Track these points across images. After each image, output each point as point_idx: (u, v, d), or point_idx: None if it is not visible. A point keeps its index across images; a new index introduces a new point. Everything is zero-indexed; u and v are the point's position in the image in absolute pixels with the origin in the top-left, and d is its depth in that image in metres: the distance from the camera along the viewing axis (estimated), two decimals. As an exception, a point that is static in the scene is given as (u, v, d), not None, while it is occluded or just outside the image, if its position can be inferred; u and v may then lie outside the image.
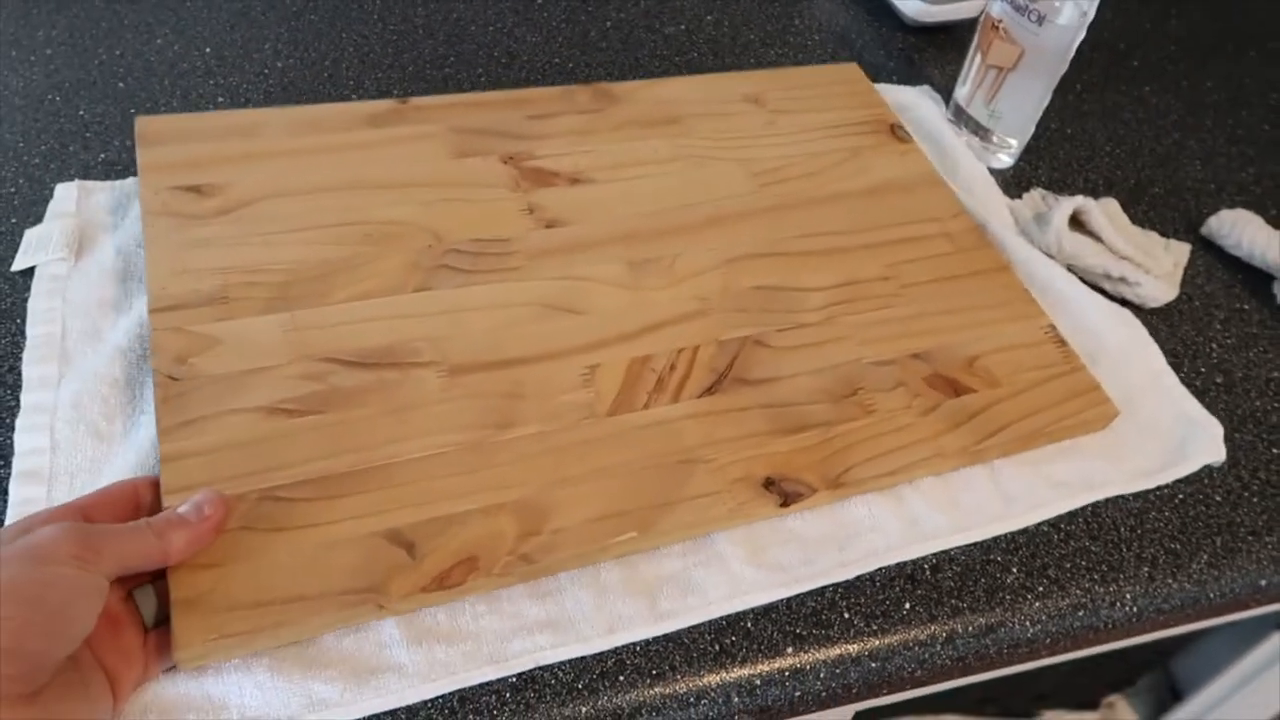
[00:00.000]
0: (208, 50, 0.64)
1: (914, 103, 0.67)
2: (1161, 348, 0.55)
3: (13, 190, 0.53)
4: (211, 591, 0.37)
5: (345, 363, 0.44)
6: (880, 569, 0.43)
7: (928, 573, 0.44)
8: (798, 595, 0.42)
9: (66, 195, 0.53)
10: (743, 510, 0.42)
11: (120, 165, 0.55)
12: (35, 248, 0.50)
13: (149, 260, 0.47)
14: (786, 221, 0.55)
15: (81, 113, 0.58)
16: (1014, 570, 0.45)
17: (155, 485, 0.39)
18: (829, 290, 0.52)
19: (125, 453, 0.43)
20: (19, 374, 0.45)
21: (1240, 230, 0.60)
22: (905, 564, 0.44)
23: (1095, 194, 0.64)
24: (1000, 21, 0.60)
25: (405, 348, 0.45)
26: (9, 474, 0.42)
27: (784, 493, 0.43)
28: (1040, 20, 0.57)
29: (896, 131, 0.62)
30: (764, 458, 0.44)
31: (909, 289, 0.53)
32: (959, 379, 0.49)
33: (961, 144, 0.64)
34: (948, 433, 0.46)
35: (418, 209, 0.51)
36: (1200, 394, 0.53)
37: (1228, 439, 0.51)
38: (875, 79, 0.70)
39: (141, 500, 0.39)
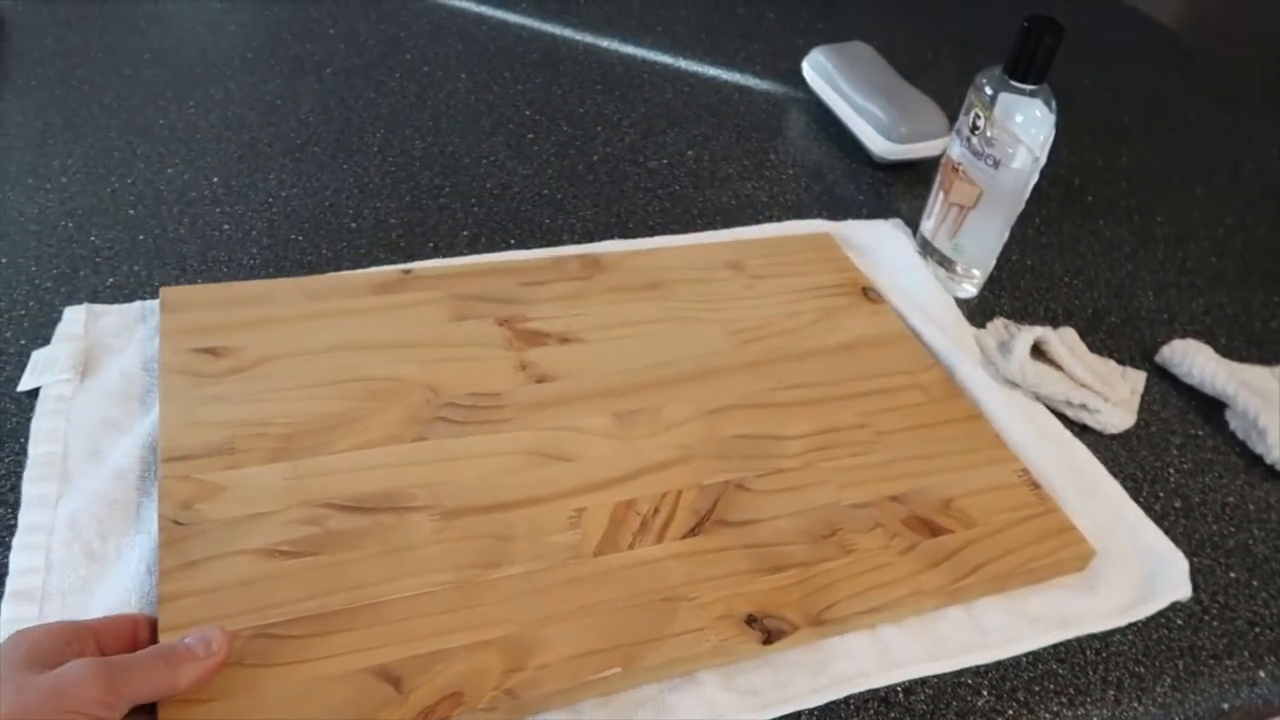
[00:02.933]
0: (215, 180, 0.68)
1: (887, 236, 0.71)
2: (1120, 473, 0.57)
3: (23, 312, 0.55)
4: None
5: (342, 507, 0.46)
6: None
7: (900, 695, 0.45)
8: (770, 719, 0.43)
9: (75, 318, 0.55)
10: (726, 647, 0.43)
11: (128, 289, 0.58)
12: (42, 369, 0.52)
13: (163, 414, 0.49)
14: (765, 375, 0.58)
15: (93, 238, 0.61)
16: (984, 693, 0.46)
17: (152, 624, 0.40)
18: (806, 438, 0.55)
19: (119, 574, 0.44)
20: (19, 493, 0.46)
21: (1192, 360, 0.63)
22: (878, 687, 0.45)
23: (1055, 323, 0.68)
24: (960, 164, 0.64)
25: (401, 493, 0.48)
26: (2, 592, 0.42)
27: (766, 630, 0.44)
28: (996, 164, 0.62)
29: (868, 294, 0.66)
30: (746, 595, 0.46)
31: (884, 436, 0.56)
32: (935, 520, 0.51)
33: (929, 275, 0.68)
34: (925, 571, 0.48)
35: (417, 367, 0.55)
36: (1160, 518, 0.55)
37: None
38: (846, 212, 0.75)
39: (139, 636, 0.40)
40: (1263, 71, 1.19)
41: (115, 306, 0.56)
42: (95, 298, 0.57)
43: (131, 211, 0.64)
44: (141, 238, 0.62)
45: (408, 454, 0.50)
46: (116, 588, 0.43)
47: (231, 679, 0.39)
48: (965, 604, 0.48)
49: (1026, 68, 0.59)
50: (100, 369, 0.53)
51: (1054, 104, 0.61)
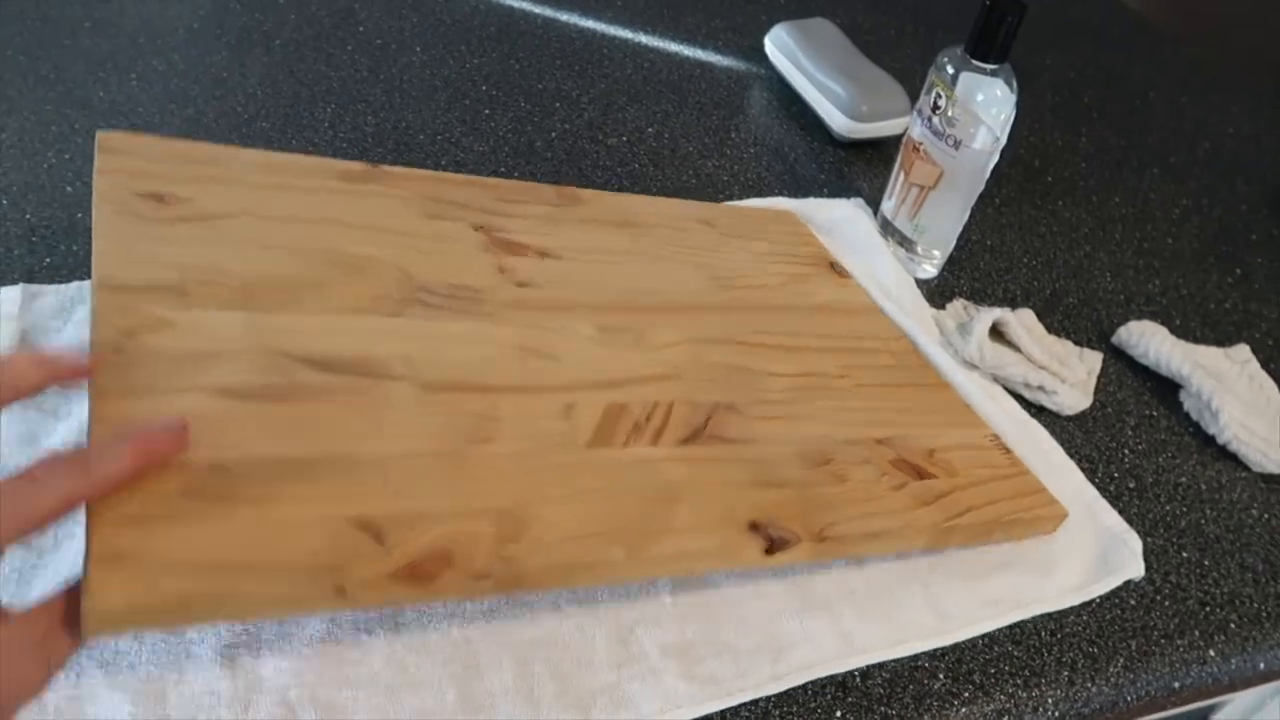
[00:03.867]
0: (158, 155, 0.65)
1: (848, 216, 0.71)
2: (1077, 453, 0.58)
3: (-47, 294, 0.53)
4: (141, 547, 0.32)
5: (311, 363, 0.42)
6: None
7: (858, 679, 0.45)
8: (730, 706, 0.42)
9: (10, 298, 0.53)
10: (729, 550, 0.42)
11: (66, 270, 0.55)
12: (-27, 352, 0.50)
13: (97, 250, 0.43)
14: (744, 320, 0.57)
15: (28, 216, 0.58)
16: (941, 676, 0.46)
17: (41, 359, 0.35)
18: (792, 377, 0.54)
19: (57, 565, 0.42)
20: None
21: (1147, 341, 0.64)
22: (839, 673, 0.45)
23: (1014, 303, 0.68)
24: (920, 144, 0.64)
25: (376, 361, 0.44)
26: (-67, 588, 0.41)
27: (770, 538, 0.43)
28: (957, 145, 0.61)
29: (835, 268, 0.66)
30: (748, 503, 0.44)
31: (863, 388, 0.55)
32: (921, 465, 0.51)
33: (890, 255, 0.68)
34: (918, 509, 0.48)
35: (389, 250, 0.51)
36: (1114, 499, 0.56)
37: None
38: (808, 190, 0.74)
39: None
40: (1223, 51, 1.20)
41: (52, 286, 0.54)
42: (31, 278, 0.55)
43: (69, 189, 0.61)
44: (80, 215, 0.59)
45: (382, 327, 0.46)
46: (55, 578, 0.42)
47: (179, 507, 0.33)
48: (925, 591, 0.48)
49: (988, 47, 0.59)
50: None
51: (1015, 84, 0.60)
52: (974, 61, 0.60)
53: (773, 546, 0.43)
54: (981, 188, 0.64)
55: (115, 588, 0.30)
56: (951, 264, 0.70)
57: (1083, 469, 0.57)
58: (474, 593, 0.37)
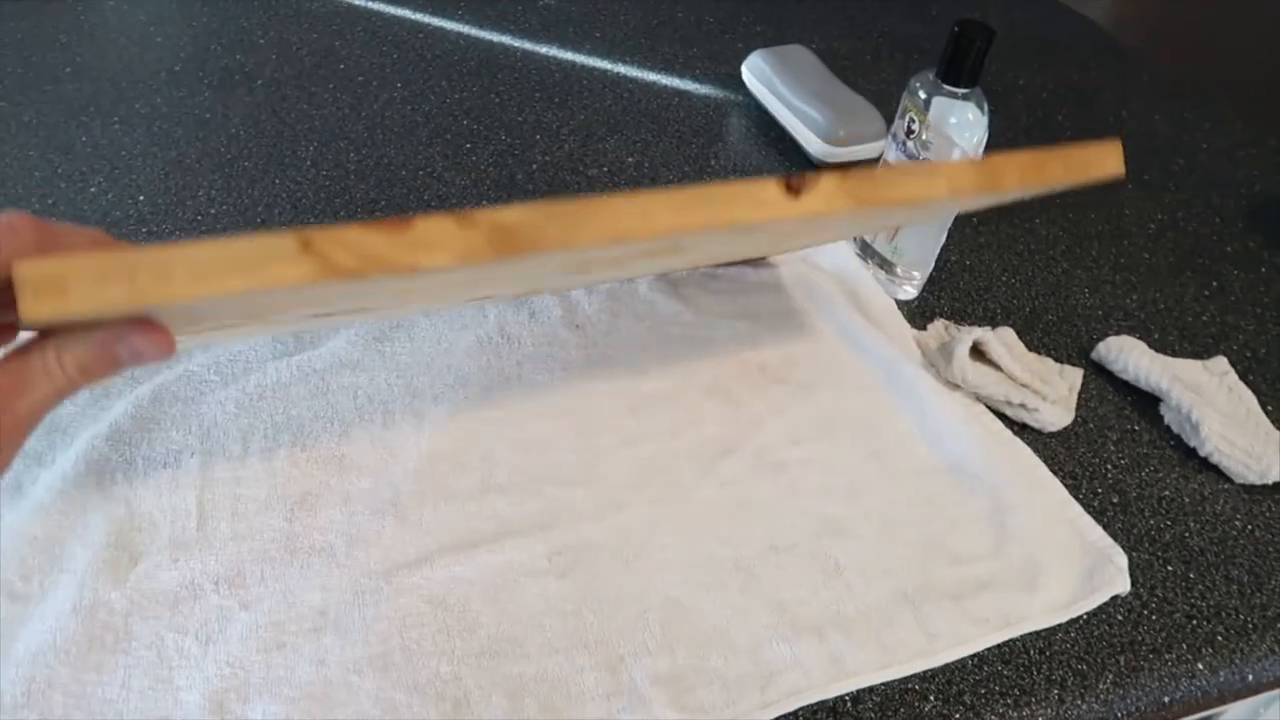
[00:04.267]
0: (141, 198, 0.66)
1: (827, 245, 0.72)
2: (1060, 470, 0.58)
3: (-64, 343, 0.53)
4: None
5: None
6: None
7: (849, 704, 0.45)
8: (722, 735, 0.42)
9: (-8, 347, 0.53)
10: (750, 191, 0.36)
11: (48, 315, 0.56)
12: (-43, 402, 0.49)
13: None
14: None
15: (10, 262, 0.59)
16: (931, 698, 0.46)
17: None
18: None
19: (42, 614, 0.42)
20: (-66, 534, 0.44)
21: (1126, 356, 0.64)
22: (828, 698, 0.45)
23: (994, 322, 0.68)
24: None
25: None
26: (-82, 640, 0.41)
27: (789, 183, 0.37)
28: (932, 168, 0.62)
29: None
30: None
31: None
32: None
33: (870, 278, 0.69)
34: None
35: None
36: (1098, 514, 0.56)
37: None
38: (788, 215, 0.75)
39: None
40: (1193, 67, 1.22)
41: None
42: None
43: (52, 233, 0.61)
44: (63, 260, 0.60)
45: None
46: (41, 629, 0.42)
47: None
48: (914, 612, 0.48)
49: (958, 72, 0.60)
50: (20, 399, 0.51)
51: (986, 106, 0.61)
52: (945, 86, 0.61)
53: (792, 186, 0.36)
54: (958, 210, 0.65)
55: (48, 266, 0.26)
56: (931, 284, 0.71)
57: (1066, 485, 0.57)
58: (468, 247, 0.31)
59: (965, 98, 0.61)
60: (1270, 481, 0.59)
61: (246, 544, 0.46)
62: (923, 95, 0.62)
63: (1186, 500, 0.58)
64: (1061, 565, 0.52)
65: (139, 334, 0.31)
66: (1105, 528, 0.55)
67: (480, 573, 0.46)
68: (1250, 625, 0.52)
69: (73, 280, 0.26)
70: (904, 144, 0.63)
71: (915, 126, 0.62)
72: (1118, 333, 0.69)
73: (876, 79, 0.93)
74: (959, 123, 0.61)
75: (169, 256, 0.27)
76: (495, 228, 0.31)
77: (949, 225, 0.66)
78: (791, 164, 0.81)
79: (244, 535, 0.46)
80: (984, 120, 0.61)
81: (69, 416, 0.50)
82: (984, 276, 0.73)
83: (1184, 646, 0.50)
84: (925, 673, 0.47)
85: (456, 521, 0.48)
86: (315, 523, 0.48)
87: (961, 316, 0.69)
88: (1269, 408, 0.64)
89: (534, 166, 0.75)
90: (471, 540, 0.48)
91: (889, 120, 0.80)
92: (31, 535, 0.44)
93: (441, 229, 0.31)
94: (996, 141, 0.70)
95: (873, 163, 0.80)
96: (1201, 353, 0.69)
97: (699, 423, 0.56)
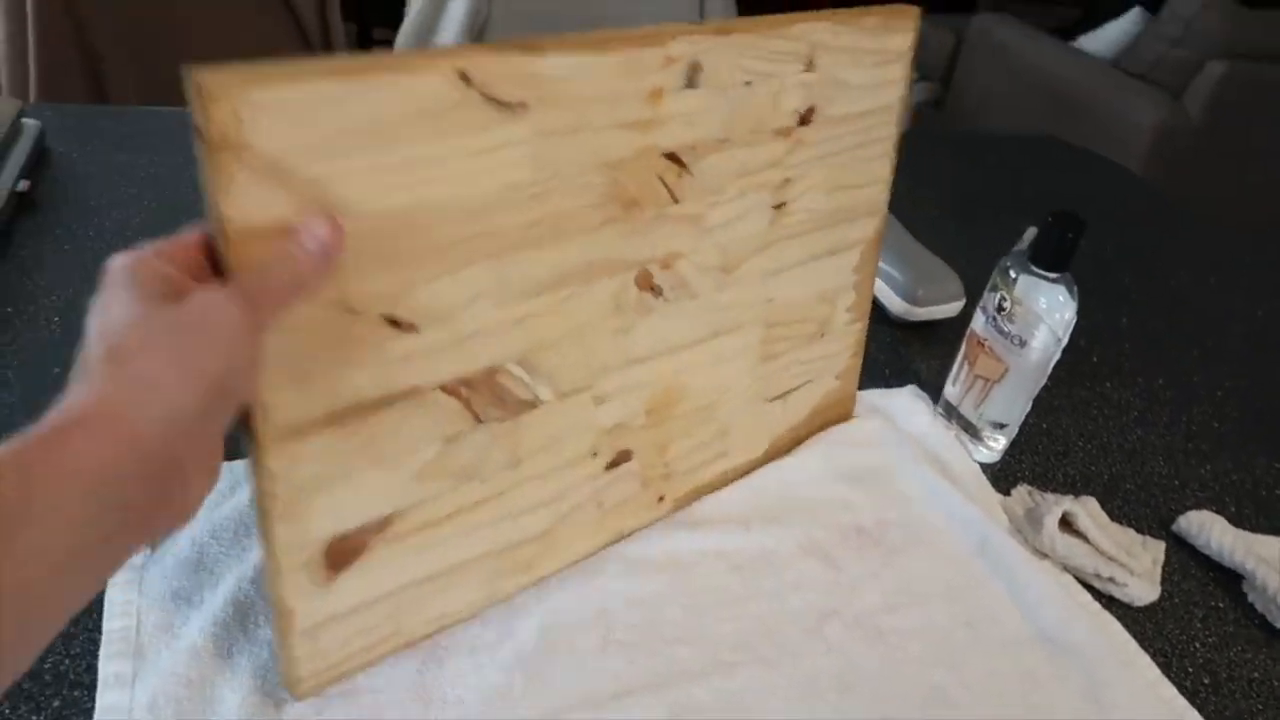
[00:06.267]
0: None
1: (908, 405, 0.75)
2: (1150, 647, 0.59)
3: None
4: None
5: None
6: None
7: None
8: None
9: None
10: None
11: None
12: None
13: None
14: None
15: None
16: None
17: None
18: None
19: None
20: (96, 673, 0.47)
21: (1208, 532, 0.66)
22: None
23: (1074, 487, 0.71)
24: (985, 339, 0.68)
25: None
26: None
27: None
28: (1021, 344, 0.66)
29: None
30: None
31: None
32: None
33: (954, 440, 0.71)
34: None
35: None
36: (1190, 695, 0.57)
37: (1221, 742, 0.54)
38: (868, 367, 0.78)
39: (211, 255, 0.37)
40: (1240, 227, 1.26)
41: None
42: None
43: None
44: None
45: None
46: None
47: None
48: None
49: (1050, 258, 0.64)
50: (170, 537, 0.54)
51: (1076, 289, 0.65)
52: (1035, 269, 0.64)
53: None
54: (1044, 381, 0.68)
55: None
56: (1011, 447, 0.73)
57: (1157, 663, 0.58)
58: None
59: (1055, 281, 0.64)
60: (1358, 668, 0.60)
61: (384, 694, 0.48)
62: (1013, 274, 0.66)
63: (1276, 683, 0.59)
64: (1160, 748, 0.53)
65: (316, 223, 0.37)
66: (1199, 709, 0.56)
67: (604, 733, 0.48)
68: (1349, 820, 0.52)
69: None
70: (994, 318, 0.67)
71: (1006, 304, 0.66)
72: (1195, 503, 0.71)
73: (945, 238, 0.98)
74: (1049, 304, 0.64)
75: None
76: None
77: (1034, 396, 0.69)
78: (872, 321, 0.85)
79: (380, 688, 0.49)
80: (1073, 304, 0.65)
81: (215, 557, 0.53)
82: (1061, 441, 0.76)
83: (1285, 840, 0.51)
84: None
85: (581, 679, 0.50)
86: (444, 675, 0.50)
87: (1042, 481, 0.71)
88: (1350, 590, 0.65)
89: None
90: (595, 699, 0.50)
91: (963, 279, 0.85)
92: (186, 678, 0.47)
93: None
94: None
95: (949, 322, 0.84)
96: (1278, 528, 0.70)
97: (800, 585, 0.59)
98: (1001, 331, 0.67)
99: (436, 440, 0.47)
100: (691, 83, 0.49)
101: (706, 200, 0.54)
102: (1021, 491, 0.68)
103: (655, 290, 0.54)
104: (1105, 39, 2.47)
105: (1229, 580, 0.66)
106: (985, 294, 0.68)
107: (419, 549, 0.49)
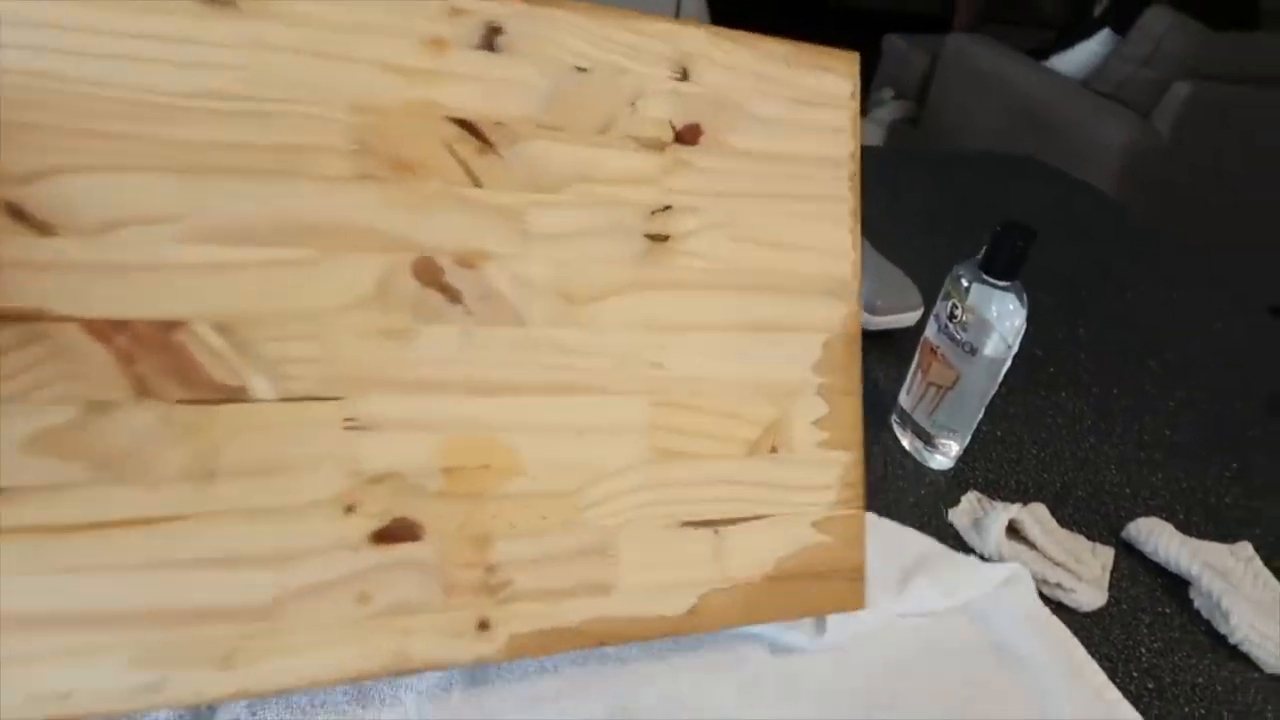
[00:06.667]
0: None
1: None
2: (1096, 652, 0.60)
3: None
4: None
5: None
6: None
7: None
8: None
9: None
10: None
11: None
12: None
13: None
14: None
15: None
16: None
17: None
18: None
19: None
20: None
21: (1156, 539, 0.67)
22: None
23: (1025, 496, 0.71)
24: (938, 347, 0.69)
25: None
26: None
27: None
28: (972, 351, 0.66)
29: None
30: None
31: None
32: None
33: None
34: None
35: None
36: (1135, 699, 0.57)
37: (1163, 747, 0.55)
38: (827, 378, 0.79)
39: None
40: (1212, 243, 1.28)
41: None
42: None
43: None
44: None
45: None
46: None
47: None
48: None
49: (1000, 266, 0.64)
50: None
51: (1025, 297, 0.66)
52: (986, 277, 0.65)
53: None
54: (995, 388, 0.69)
55: None
56: (964, 455, 0.74)
57: (1103, 667, 0.59)
58: None
59: (1006, 289, 0.65)
60: (1300, 674, 0.60)
61: None
62: (965, 283, 0.66)
63: (1219, 688, 0.60)
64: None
65: None
66: (1143, 713, 0.56)
67: None
68: (1287, 824, 0.53)
69: None
70: (945, 325, 0.68)
71: (958, 312, 0.66)
72: (1145, 511, 0.71)
73: (910, 250, 0.98)
74: (1000, 312, 0.65)
75: None
76: None
77: (985, 404, 0.70)
78: (830, 328, 0.85)
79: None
80: (1023, 311, 0.65)
81: None
82: (1014, 448, 0.76)
83: (1223, 843, 0.51)
84: None
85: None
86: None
87: (994, 488, 0.71)
88: (1295, 597, 0.66)
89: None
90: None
91: (924, 292, 0.85)
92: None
93: None
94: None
95: (906, 331, 0.85)
96: (1226, 535, 0.71)
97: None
98: (953, 339, 0.67)
99: (71, 401, 0.35)
100: (490, 45, 0.43)
101: (527, 195, 0.45)
102: (970, 498, 0.69)
103: (448, 292, 0.42)
104: (1075, 60, 2.50)
105: (1176, 586, 0.66)
106: (938, 302, 0.69)
107: (22, 560, 0.34)
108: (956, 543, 0.66)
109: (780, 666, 0.54)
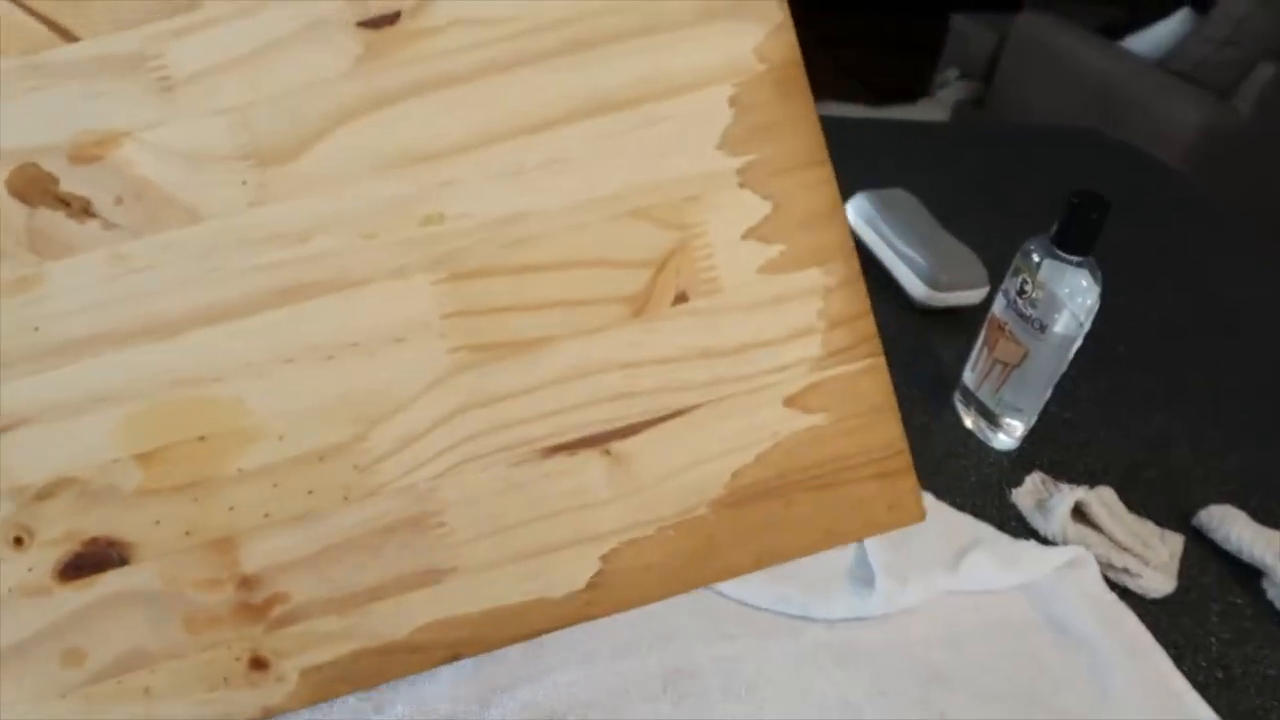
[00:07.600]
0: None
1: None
2: (1163, 639, 0.58)
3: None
4: None
5: None
6: None
7: None
8: None
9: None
10: None
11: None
12: None
13: None
14: None
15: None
16: None
17: None
18: None
19: None
20: None
21: (1228, 526, 0.65)
22: None
23: (1092, 478, 0.69)
24: (1005, 323, 0.67)
25: None
26: None
27: None
28: (1042, 328, 0.64)
29: None
30: None
31: None
32: None
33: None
34: None
35: None
36: (1202, 689, 0.56)
37: (1231, 737, 0.53)
38: (886, 353, 0.77)
39: None
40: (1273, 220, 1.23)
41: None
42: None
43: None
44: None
45: None
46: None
47: None
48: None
49: (1074, 241, 0.62)
50: None
51: (1099, 274, 0.64)
52: (1059, 252, 0.63)
53: None
54: (1064, 368, 0.67)
55: None
56: (1029, 435, 0.72)
57: (1170, 655, 0.57)
58: None
59: (1079, 265, 0.63)
60: (1379, 669, 0.58)
61: None
62: (1036, 258, 0.64)
63: (1292, 681, 0.58)
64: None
65: None
66: (1210, 703, 0.55)
67: None
68: (1362, 821, 0.51)
69: None
70: (1015, 302, 0.66)
71: (1028, 288, 0.65)
72: (1217, 497, 0.69)
73: (972, 225, 0.96)
74: (1071, 290, 0.63)
75: None
76: None
77: (1054, 383, 0.68)
78: (893, 305, 0.84)
79: None
80: (1095, 289, 0.63)
81: None
82: (1082, 430, 0.74)
83: (1294, 837, 0.50)
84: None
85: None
86: None
87: (1059, 470, 0.70)
88: (1376, 590, 0.63)
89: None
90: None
91: (989, 268, 0.83)
92: None
93: None
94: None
95: (971, 308, 0.83)
96: (1303, 525, 0.69)
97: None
98: (1022, 315, 0.65)
99: None
100: None
101: (151, 26, 0.28)
102: (1035, 479, 0.67)
103: (70, 205, 0.28)
104: (1152, 39, 2.42)
105: (1248, 576, 0.64)
106: (1007, 277, 0.67)
107: None
108: (1019, 524, 0.65)
109: (837, 634, 0.54)
